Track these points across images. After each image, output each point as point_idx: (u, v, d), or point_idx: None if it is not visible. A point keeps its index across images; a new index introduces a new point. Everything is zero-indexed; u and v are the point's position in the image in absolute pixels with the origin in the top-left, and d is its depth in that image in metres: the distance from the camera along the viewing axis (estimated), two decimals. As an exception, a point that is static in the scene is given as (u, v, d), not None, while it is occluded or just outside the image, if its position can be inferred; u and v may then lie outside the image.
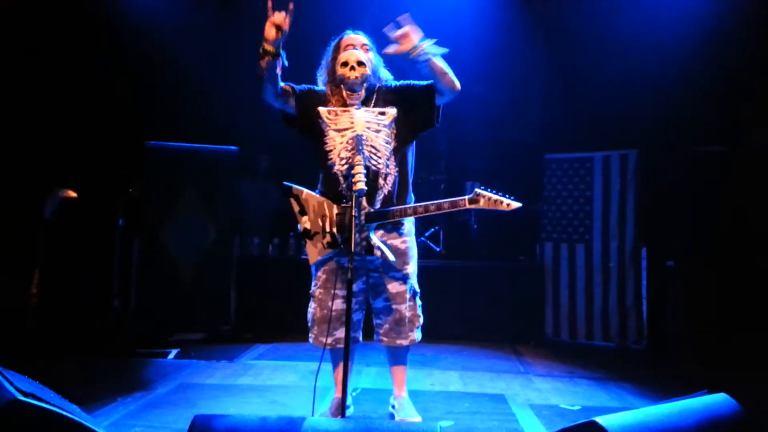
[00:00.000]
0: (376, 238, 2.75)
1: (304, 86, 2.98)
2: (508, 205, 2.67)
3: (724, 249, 4.75)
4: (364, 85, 2.78)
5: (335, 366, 3.08)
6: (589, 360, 4.71)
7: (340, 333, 2.92)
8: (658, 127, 5.26)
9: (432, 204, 2.79)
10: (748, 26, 4.79)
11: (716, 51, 4.89)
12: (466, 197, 2.71)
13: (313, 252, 2.92)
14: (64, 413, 1.96)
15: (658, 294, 5.09)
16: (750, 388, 2.91)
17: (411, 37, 2.65)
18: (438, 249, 6.07)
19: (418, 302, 3.04)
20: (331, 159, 2.65)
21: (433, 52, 2.69)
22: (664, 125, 5.24)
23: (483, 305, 5.39)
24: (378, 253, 2.70)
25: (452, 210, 2.77)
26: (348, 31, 2.97)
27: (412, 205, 2.87)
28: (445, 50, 2.72)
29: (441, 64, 2.75)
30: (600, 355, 4.93)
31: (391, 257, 2.76)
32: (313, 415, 2.80)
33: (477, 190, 2.71)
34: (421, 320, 3.04)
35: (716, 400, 2.13)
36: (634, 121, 5.37)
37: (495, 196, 2.68)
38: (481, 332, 5.29)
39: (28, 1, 5.21)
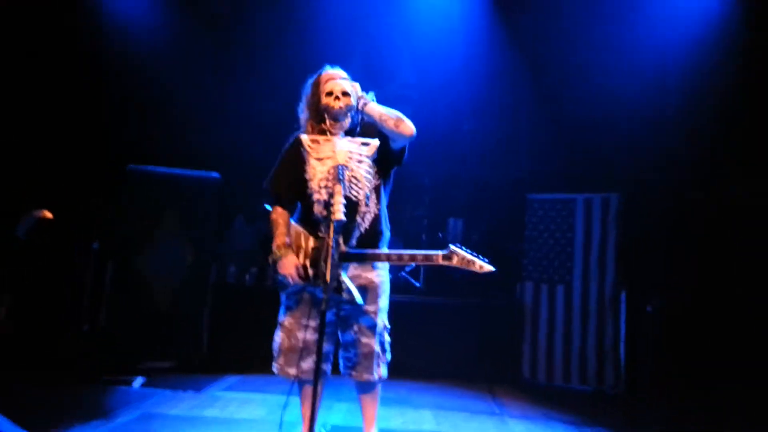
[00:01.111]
0: (347, 280, 2.69)
1: (281, 176, 2.94)
2: (480, 267, 2.63)
3: (702, 294, 4.76)
4: (348, 115, 2.77)
5: (303, 401, 2.98)
6: (565, 403, 4.64)
7: (307, 364, 2.84)
8: (641, 172, 5.32)
9: (406, 254, 2.76)
10: (732, 76, 4.88)
11: (700, 98, 4.99)
12: (441, 253, 2.66)
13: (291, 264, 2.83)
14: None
15: (636, 338, 5.06)
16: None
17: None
18: (418, 285, 6.02)
19: (388, 338, 2.98)
20: (310, 188, 2.62)
21: (366, 99, 2.75)
22: (647, 170, 5.30)
23: (460, 344, 5.32)
24: (346, 296, 2.63)
25: (425, 263, 2.73)
26: (327, 67, 2.96)
27: (386, 251, 2.85)
28: (371, 94, 2.79)
29: (379, 110, 2.76)
30: (576, 399, 4.86)
31: (359, 300, 2.69)
32: (277, 452, 2.70)
33: (452, 247, 2.66)
34: (389, 356, 2.98)
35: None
36: (617, 165, 5.42)
37: (469, 257, 2.63)
38: (457, 370, 5.21)
39: (8, 22, 5.18)
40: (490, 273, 2.65)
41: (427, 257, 2.70)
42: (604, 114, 5.47)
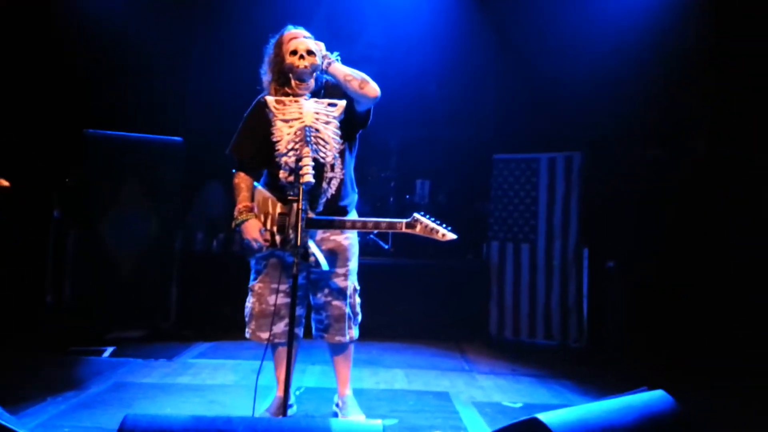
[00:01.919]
0: (313, 245, 2.69)
1: (245, 141, 2.90)
2: (443, 235, 2.64)
3: (663, 250, 4.91)
4: (314, 75, 2.73)
5: (277, 364, 3.01)
6: (531, 358, 4.78)
7: (279, 328, 2.86)
8: (602, 130, 5.39)
9: (370, 221, 2.77)
10: (692, 33, 4.94)
11: (660, 56, 5.04)
12: (404, 221, 2.67)
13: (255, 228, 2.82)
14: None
15: (598, 294, 5.21)
16: (687, 385, 2.99)
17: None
18: (387, 246, 6.06)
19: (358, 299, 3.01)
20: (277, 150, 2.57)
21: (331, 58, 2.72)
22: (608, 128, 5.37)
23: (430, 304, 5.41)
24: (312, 260, 2.63)
25: (388, 231, 2.75)
26: (289, 27, 2.88)
27: (351, 219, 2.85)
28: (336, 54, 2.76)
29: (345, 70, 2.73)
30: (542, 353, 5.02)
31: (324, 267, 2.70)
32: (253, 415, 2.73)
33: (416, 215, 2.68)
34: (360, 318, 3.01)
35: (654, 396, 2.17)
36: (580, 124, 5.48)
37: (432, 225, 2.65)
38: (427, 330, 5.30)
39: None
40: (461, 233, 2.68)
41: (390, 224, 2.73)
42: (567, 73, 5.49)
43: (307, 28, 2.91)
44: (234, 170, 2.91)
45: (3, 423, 1.86)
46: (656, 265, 4.92)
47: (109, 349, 4.43)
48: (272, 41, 2.87)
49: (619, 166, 5.26)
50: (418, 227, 2.66)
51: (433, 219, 2.67)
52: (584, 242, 5.26)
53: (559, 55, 5.53)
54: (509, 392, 3.82)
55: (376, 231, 6.00)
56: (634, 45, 5.16)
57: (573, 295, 5.24)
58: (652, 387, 2.29)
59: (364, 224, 2.79)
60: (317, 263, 2.65)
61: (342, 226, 2.81)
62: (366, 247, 5.79)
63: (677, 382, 2.74)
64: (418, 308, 5.41)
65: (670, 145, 5.10)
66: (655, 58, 5.07)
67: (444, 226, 2.67)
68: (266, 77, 2.88)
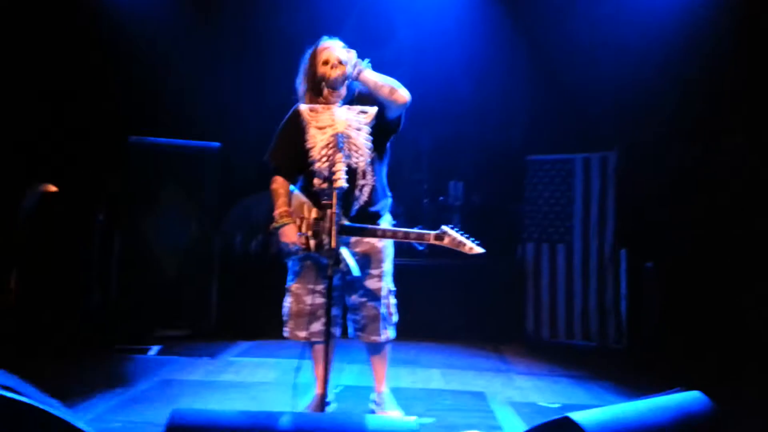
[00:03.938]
0: (345, 251, 2.73)
1: (281, 148, 2.97)
2: (470, 249, 2.67)
3: (701, 250, 4.82)
4: (345, 83, 2.80)
5: (315, 362, 3.08)
6: (569, 359, 4.76)
7: (316, 327, 2.93)
8: (637, 129, 5.33)
9: (400, 231, 2.83)
10: (728, 30, 4.86)
11: (695, 52, 4.96)
12: (433, 233, 2.71)
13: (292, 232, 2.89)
14: (44, 407, 1.94)
15: (637, 294, 5.15)
16: (726, 386, 2.96)
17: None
18: (421, 248, 6.08)
19: (393, 300, 3.06)
20: (311, 156, 2.66)
21: (361, 66, 2.75)
22: (643, 127, 5.30)
23: (465, 304, 5.42)
24: (343, 265, 2.68)
25: (417, 241, 2.78)
26: (324, 38, 2.96)
27: (382, 228, 2.88)
28: (366, 61, 2.78)
29: (375, 77, 2.77)
30: (580, 354, 4.99)
31: (355, 272, 2.74)
32: (293, 411, 2.80)
33: (444, 227, 2.70)
34: (396, 318, 3.06)
35: (690, 397, 2.18)
36: (614, 123, 5.43)
37: (460, 238, 2.67)
38: (463, 331, 5.32)
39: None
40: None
41: (419, 236, 2.76)
42: (600, 72, 5.44)
43: (339, 35, 2.98)
44: (272, 175, 3.00)
45: (62, 416, 1.97)
46: (695, 265, 4.84)
47: (155, 348, 4.58)
48: (307, 53, 2.95)
49: (656, 164, 5.18)
50: (446, 240, 2.69)
51: (461, 232, 2.70)
52: (622, 243, 5.21)
53: (591, 54, 5.47)
54: (546, 393, 3.82)
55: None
56: (667, 41, 5.09)
57: (611, 296, 5.20)
58: (689, 388, 2.28)
59: (395, 234, 2.85)
60: (348, 269, 2.72)
61: (373, 235, 2.86)
62: (401, 248, 5.83)
63: (717, 383, 2.72)
64: (455, 309, 5.42)
65: (706, 143, 5.01)
66: (689, 55, 4.99)
67: (472, 239, 2.70)
68: (301, 87, 2.96)
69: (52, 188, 5.30)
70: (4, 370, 2.12)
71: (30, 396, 1.99)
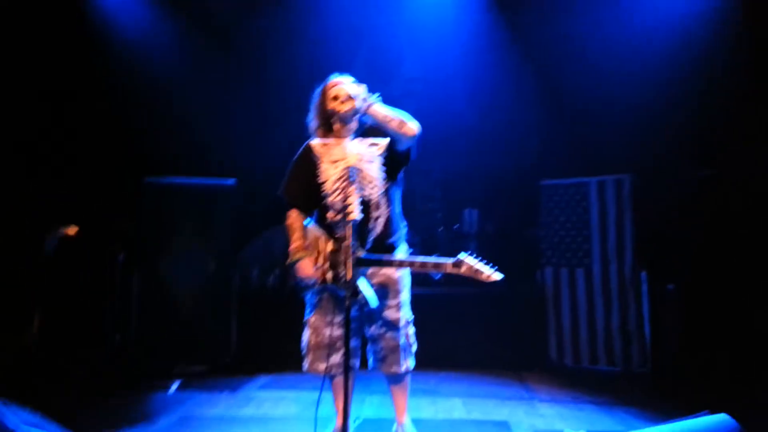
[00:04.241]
0: (362, 283, 2.70)
1: (295, 183, 3.02)
2: (488, 277, 2.65)
3: (722, 270, 4.76)
4: (356, 117, 2.85)
5: (336, 395, 3.08)
6: (593, 384, 4.68)
7: (335, 359, 2.93)
8: (652, 152, 5.32)
9: (417, 261, 2.83)
10: (740, 53, 4.87)
11: (709, 76, 4.97)
12: (450, 261, 2.70)
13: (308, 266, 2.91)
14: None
15: (660, 317, 5.08)
16: (753, 408, 2.89)
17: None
18: (437, 277, 6.08)
19: (412, 330, 3.05)
20: (324, 190, 2.70)
21: (371, 101, 2.79)
22: (658, 150, 5.29)
23: (485, 332, 5.37)
24: (360, 297, 2.68)
25: (435, 271, 2.77)
26: (334, 75, 3.03)
27: (399, 258, 2.90)
28: (376, 95, 2.82)
29: (384, 111, 2.80)
30: (604, 380, 4.90)
31: (373, 304, 2.73)
32: (314, 445, 2.79)
33: (461, 255, 2.70)
34: (415, 348, 3.05)
35: (717, 420, 2.14)
36: (628, 146, 5.42)
37: (477, 265, 2.66)
38: (484, 359, 5.25)
39: (23, 41, 5.29)
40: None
41: (437, 265, 2.75)
42: (612, 95, 5.48)
43: (350, 70, 3.05)
44: (287, 210, 3.04)
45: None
46: (717, 285, 4.77)
47: (176, 383, 4.58)
48: (317, 90, 3.02)
49: (672, 186, 5.16)
50: (464, 268, 2.68)
51: (479, 259, 2.69)
52: (641, 265, 5.16)
53: (602, 77, 5.51)
54: (571, 420, 3.76)
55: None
56: (681, 62, 5.11)
57: (633, 320, 5.13)
58: (715, 411, 2.24)
59: (412, 263, 2.86)
60: (365, 300, 2.71)
61: (390, 265, 2.88)
62: (418, 276, 5.82)
63: (744, 406, 2.66)
64: (475, 337, 5.37)
65: (723, 163, 4.98)
66: (704, 75, 5.00)
67: (490, 265, 2.68)
68: (313, 123, 3.03)
69: (72, 231, 5.39)
70: (28, 410, 2.15)
71: (53, 434, 2.01)
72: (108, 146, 5.73)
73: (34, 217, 5.30)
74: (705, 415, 2.18)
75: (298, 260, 2.90)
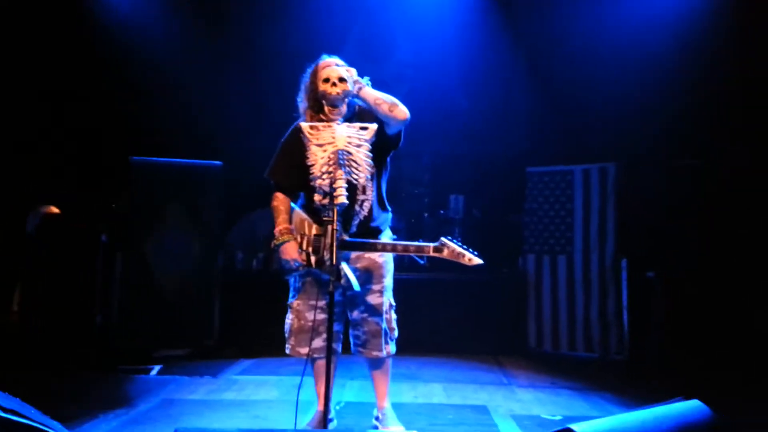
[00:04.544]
0: (346, 267, 2.73)
1: (282, 165, 3.01)
2: (470, 260, 2.68)
3: (702, 260, 4.83)
4: (346, 101, 2.84)
5: (317, 379, 3.09)
6: (571, 371, 4.76)
7: (317, 343, 2.94)
8: (637, 141, 5.37)
9: (400, 244, 2.87)
10: (724, 44, 4.90)
11: (694, 67, 5.01)
12: (432, 245, 2.73)
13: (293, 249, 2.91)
14: (46, 429, 1.95)
15: (638, 305, 5.15)
16: (728, 397, 2.96)
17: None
18: (422, 262, 6.08)
19: (394, 315, 3.07)
20: (312, 173, 2.69)
21: (362, 83, 2.79)
22: (642, 139, 5.34)
23: (466, 317, 5.42)
24: (344, 283, 2.70)
25: (417, 254, 2.79)
26: (324, 56, 3.00)
27: (382, 242, 2.94)
28: (366, 79, 2.82)
29: (375, 94, 2.80)
30: (582, 366, 4.98)
31: (356, 288, 2.74)
32: (295, 429, 2.81)
33: (443, 239, 2.72)
34: (396, 333, 3.07)
35: (690, 406, 2.18)
36: (613, 135, 5.46)
37: (459, 249, 2.69)
38: (464, 344, 5.31)
39: (9, 15, 5.20)
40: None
41: (419, 248, 2.76)
42: (598, 84, 5.50)
43: (340, 53, 3.02)
44: (273, 192, 3.03)
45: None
46: (697, 274, 4.84)
47: (156, 368, 4.58)
48: (308, 70, 3.00)
49: (655, 176, 5.21)
50: (446, 251, 2.71)
51: (460, 243, 2.71)
52: (622, 253, 5.22)
53: (590, 66, 5.53)
54: (548, 405, 3.81)
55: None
56: (667, 53, 5.14)
57: (613, 307, 5.19)
58: (689, 397, 2.29)
59: (394, 247, 2.89)
60: (349, 284, 2.73)
61: (373, 249, 2.89)
62: (402, 262, 5.84)
63: (719, 393, 2.72)
64: (456, 323, 5.42)
65: (706, 154, 5.04)
66: (689, 66, 5.04)
67: (470, 250, 2.71)
68: (302, 104, 3.01)
69: (55, 210, 5.34)
70: (6, 393, 2.13)
71: (31, 418, 2.00)
72: (95, 125, 5.66)
73: (17, 196, 5.24)
74: (679, 401, 2.23)
75: (282, 243, 2.90)
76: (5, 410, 1.93)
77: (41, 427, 1.96)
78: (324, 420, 2.68)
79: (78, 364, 4.57)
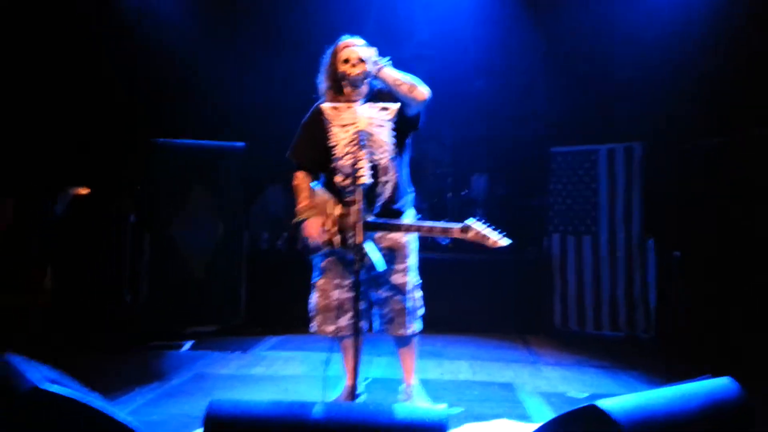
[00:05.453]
0: (370, 247, 2.69)
1: (304, 145, 3.02)
2: (494, 242, 2.61)
3: (728, 238, 4.77)
4: (366, 81, 2.83)
5: (345, 355, 3.14)
6: (597, 349, 4.76)
7: (343, 322, 2.97)
8: (662, 120, 5.29)
9: (425, 225, 2.80)
10: (751, 21, 4.79)
11: (720, 41, 4.90)
12: (458, 226, 2.66)
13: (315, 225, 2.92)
14: (86, 400, 2.02)
15: (665, 284, 5.12)
16: (755, 373, 2.94)
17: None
18: (445, 242, 6.10)
19: (419, 294, 3.08)
20: (334, 154, 2.70)
21: (381, 64, 2.77)
22: (669, 118, 5.26)
23: (492, 297, 5.44)
24: (367, 260, 2.68)
25: (442, 236, 2.76)
26: (344, 36, 2.99)
27: (406, 223, 2.92)
28: (387, 59, 2.80)
29: (394, 75, 2.78)
30: (608, 344, 4.98)
31: (380, 268, 2.73)
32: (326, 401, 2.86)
33: (468, 222, 2.66)
34: (422, 311, 3.08)
35: (719, 383, 2.16)
36: (639, 114, 5.39)
37: (485, 231, 2.61)
38: (490, 323, 5.34)
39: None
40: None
41: (444, 230, 2.70)
42: (623, 64, 5.43)
43: (360, 32, 3.01)
44: (294, 172, 3.05)
45: (103, 410, 2.05)
46: (722, 252, 4.78)
47: (189, 343, 4.69)
48: (328, 51, 2.99)
49: (681, 154, 5.14)
50: (471, 233, 2.64)
51: (487, 224, 2.66)
52: (649, 233, 5.18)
53: (614, 44, 5.45)
54: (575, 383, 3.83)
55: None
56: (692, 30, 5.04)
57: (639, 286, 5.17)
58: (718, 374, 2.27)
59: (419, 228, 2.85)
60: (373, 264, 2.70)
61: (397, 229, 2.88)
62: (425, 241, 5.85)
63: (747, 371, 2.70)
64: (482, 301, 5.44)
65: (733, 133, 4.94)
66: (715, 44, 4.93)
67: (498, 231, 2.64)
68: (322, 85, 3.01)
69: (83, 191, 5.43)
70: (47, 366, 2.21)
71: (74, 390, 2.07)
72: (120, 107, 5.73)
73: (46, 177, 5.35)
74: (707, 378, 2.21)
75: (305, 219, 2.92)
76: (51, 382, 1.99)
77: (82, 398, 2.02)
78: (353, 394, 2.72)
79: (111, 341, 4.68)
